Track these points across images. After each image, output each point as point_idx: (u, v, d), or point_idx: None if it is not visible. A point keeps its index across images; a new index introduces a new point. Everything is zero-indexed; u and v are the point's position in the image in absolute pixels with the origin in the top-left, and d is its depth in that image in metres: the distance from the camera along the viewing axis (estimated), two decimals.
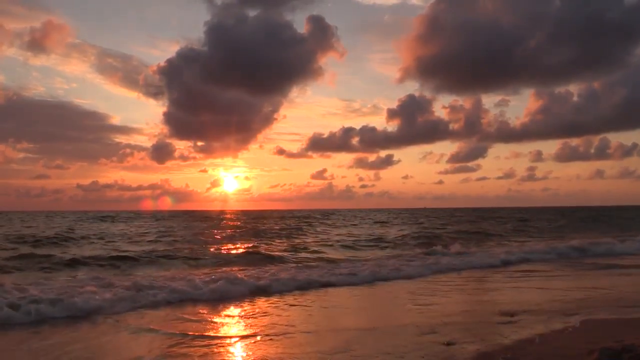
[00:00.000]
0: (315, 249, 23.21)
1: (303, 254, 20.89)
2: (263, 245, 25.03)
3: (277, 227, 41.65)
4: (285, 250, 22.02)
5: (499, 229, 39.92)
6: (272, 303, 10.62)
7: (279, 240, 28.10)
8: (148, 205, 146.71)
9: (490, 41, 63.36)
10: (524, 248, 22.60)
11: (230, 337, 7.78)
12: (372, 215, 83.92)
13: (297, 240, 27.97)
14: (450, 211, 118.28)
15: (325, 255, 20.47)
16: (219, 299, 10.88)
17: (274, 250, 21.61)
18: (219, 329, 8.34)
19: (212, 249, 22.43)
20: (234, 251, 21.67)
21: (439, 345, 6.99)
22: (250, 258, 18.88)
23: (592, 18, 61.17)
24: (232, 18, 69.71)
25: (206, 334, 7.94)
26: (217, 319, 9.10)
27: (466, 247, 22.59)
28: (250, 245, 24.99)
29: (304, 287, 12.52)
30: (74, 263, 16.88)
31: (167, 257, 18.79)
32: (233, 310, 10.00)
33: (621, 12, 62.61)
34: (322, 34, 78.01)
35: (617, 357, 5.69)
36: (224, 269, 15.86)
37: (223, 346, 7.19)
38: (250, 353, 6.87)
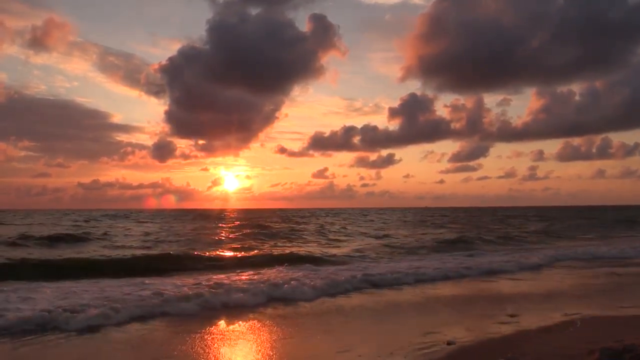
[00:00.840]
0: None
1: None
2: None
3: (330, 228, 39.19)
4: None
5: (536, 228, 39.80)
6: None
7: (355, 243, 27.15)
8: (149, 203, 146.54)
9: (493, 40, 63.30)
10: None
11: None
12: (384, 214, 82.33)
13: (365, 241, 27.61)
14: (453, 210, 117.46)
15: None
16: None
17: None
18: None
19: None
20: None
21: (440, 344, 7.03)
22: None
23: (594, 17, 61.10)
24: (234, 16, 69.67)
25: None
26: None
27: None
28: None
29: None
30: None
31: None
32: None
33: (624, 11, 62.47)
34: (324, 32, 77.85)
35: (618, 357, 5.69)
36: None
37: None
38: None
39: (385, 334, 7.91)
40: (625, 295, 11.44)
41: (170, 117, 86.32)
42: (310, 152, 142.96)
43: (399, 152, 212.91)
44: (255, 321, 8.91)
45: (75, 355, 6.89)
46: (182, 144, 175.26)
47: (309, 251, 21.31)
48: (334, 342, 7.40)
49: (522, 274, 15.35)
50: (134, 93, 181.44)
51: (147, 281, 12.60)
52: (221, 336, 7.84)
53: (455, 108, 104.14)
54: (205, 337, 7.72)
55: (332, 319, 9.19)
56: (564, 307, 9.64)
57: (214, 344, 7.31)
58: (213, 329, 8.35)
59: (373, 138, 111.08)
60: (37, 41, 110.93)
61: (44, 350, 7.04)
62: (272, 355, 6.76)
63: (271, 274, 13.97)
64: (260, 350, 7.03)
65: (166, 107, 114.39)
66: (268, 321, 8.89)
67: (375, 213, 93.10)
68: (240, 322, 8.92)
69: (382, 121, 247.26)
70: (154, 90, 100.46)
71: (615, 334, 7.02)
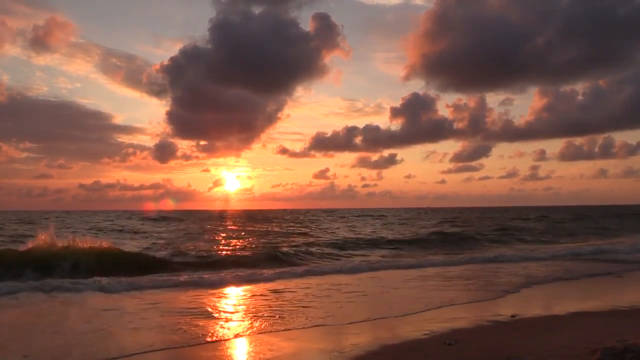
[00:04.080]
0: None
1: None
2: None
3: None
4: None
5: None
6: None
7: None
8: (150, 205, 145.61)
9: (497, 39, 63.06)
10: None
11: None
12: (408, 215, 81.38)
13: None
14: (462, 211, 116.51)
15: None
16: None
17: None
18: None
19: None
20: None
21: (442, 345, 6.96)
22: None
23: (600, 15, 60.74)
24: (237, 15, 69.46)
25: None
26: None
27: None
28: None
29: None
30: None
31: None
32: None
33: (630, 9, 62.04)
34: (328, 32, 77.56)
35: (620, 357, 5.63)
36: None
37: None
38: None
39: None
40: (627, 294, 11.37)
41: (171, 117, 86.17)
42: (312, 152, 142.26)
43: (400, 152, 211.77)
44: None
45: None
46: (184, 145, 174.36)
47: None
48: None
49: None
50: (135, 94, 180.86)
51: None
52: None
53: (457, 108, 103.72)
54: None
55: None
56: (564, 307, 9.58)
57: None
58: None
59: (375, 138, 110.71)
60: (39, 42, 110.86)
61: None
62: None
63: None
64: None
65: (168, 108, 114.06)
66: None
67: (396, 213, 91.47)
68: None
69: (384, 122, 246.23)
70: (156, 90, 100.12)
71: (617, 332, 6.96)
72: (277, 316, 9.06)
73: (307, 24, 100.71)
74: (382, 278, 14.38)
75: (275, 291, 11.96)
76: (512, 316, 8.81)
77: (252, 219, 65.87)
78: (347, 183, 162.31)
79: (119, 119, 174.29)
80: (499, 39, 62.95)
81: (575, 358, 5.99)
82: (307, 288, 12.46)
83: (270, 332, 7.97)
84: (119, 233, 34.39)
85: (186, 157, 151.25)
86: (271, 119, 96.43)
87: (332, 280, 13.82)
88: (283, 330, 8.08)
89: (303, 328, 8.23)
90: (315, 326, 8.36)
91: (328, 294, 11.62)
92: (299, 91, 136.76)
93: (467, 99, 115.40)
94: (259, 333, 7.89)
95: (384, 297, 11.25)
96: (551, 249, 23.27)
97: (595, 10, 61.25)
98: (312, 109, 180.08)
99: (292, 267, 17.10)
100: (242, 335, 7.75)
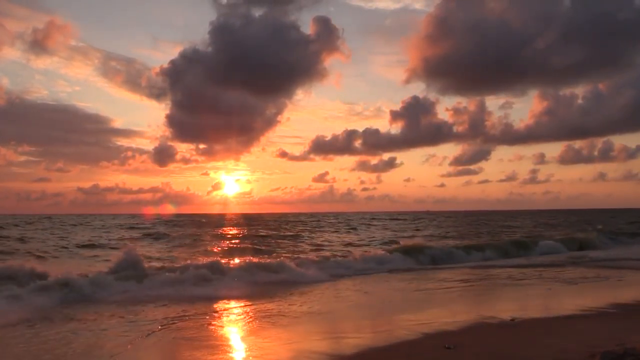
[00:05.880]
0: None
1: None
2: None
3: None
4: None
5: None
6: None
7: None
8: (149, 208, 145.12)
9: (497, 42, 62.95)
10: None
11: None
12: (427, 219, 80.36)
13: None
14: (471, 215, 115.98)
15: None
16: None
17: None
18: None
19: None
20: None
21: (440, 348, 6.95)
22: None
23: (600, 19, 60.75)
24: (237, 18, 69.37)
25: None
26: None
27: None
28: None
29: None
30: None
31: None
32: None
33: (630, 12, 62.06)
34: (328, 35, 77.52)
35: None
36: None
37: None
38: None
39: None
40: (627, 298, 11.35)
41: (171, 120, 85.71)
42: (311, 156, 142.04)
43: (400, 156, 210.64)
44: None
45: None
46: (183, 148, 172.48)
47: None
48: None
49: None
50: (135, 97, 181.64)
51: None
52: None
53: (457, 111, 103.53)
54: None
55: None
56: (563, 309, 9.57)
57: None
58: None
59: (374, 141, 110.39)
60: (38, 45, 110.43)
61: None
62: None
63: None
64: None
65: (167, 111, 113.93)
66: None
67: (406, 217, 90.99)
68: None
69: (383, 125, 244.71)
70: (155, 93, 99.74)
71: (617, 337, 6.94)
72: None
73: (307, 27, 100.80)
74: None
75: None
76: (512, 319, 8.79)
77: (286, 222, 65.54)
78: (346, 186, 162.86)
79: (118, 122, 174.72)
80: (499, 42, 62.88)
81: None
82: None
83: None
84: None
85: (185, 161, 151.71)
86: (271, 122, 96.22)
87: None
88: None
89: None
90: None
91: None
92: (299, 94, 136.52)
93: (467, 102, 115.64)
94: None
95: None
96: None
97: (596, 13, 61.31)
98: (311, 112, 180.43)
99: None
100: None
